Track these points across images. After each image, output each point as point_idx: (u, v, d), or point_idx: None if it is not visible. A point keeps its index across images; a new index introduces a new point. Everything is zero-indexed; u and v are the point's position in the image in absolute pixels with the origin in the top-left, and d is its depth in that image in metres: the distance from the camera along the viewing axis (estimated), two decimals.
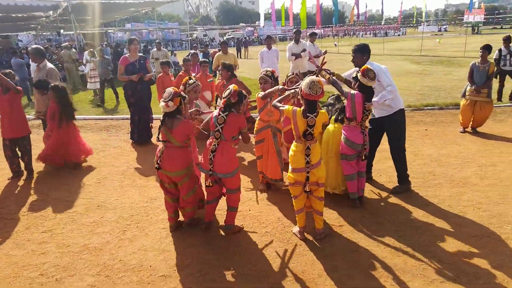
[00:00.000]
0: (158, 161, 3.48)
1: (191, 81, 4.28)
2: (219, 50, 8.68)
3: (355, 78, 3.85)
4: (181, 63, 10.03)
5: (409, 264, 3.08)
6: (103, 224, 3.93)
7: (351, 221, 3.82)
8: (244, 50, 29.54)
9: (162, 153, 3.48)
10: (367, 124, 4.05)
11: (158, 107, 7.12)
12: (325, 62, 4.31)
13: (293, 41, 8.72)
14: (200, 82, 6.61)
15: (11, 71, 5.27)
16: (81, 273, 3.12)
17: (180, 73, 6.86)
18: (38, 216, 4.16)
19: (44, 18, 20.86)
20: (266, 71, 4.53)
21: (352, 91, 3.87)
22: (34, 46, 6.07)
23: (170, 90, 3.41)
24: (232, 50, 9.54)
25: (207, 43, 18.33)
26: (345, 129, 4.02)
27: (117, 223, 3.95)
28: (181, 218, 3.84)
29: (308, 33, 9.65)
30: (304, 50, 8.47)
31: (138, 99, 6.62)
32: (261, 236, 3.60)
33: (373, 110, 4.18)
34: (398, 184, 4.45)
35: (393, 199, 4.26)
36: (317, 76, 3.98)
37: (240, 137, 3.57)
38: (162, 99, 3.42)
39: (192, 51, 8.72)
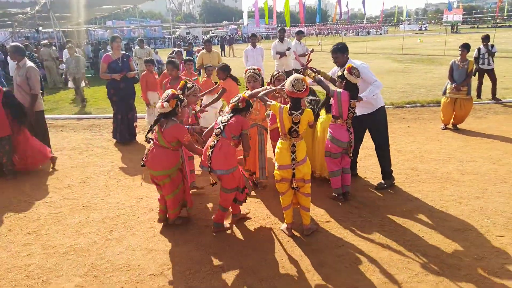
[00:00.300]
0: (144, 158, 3.53)
1: (189, 85, 4.20)
2: (203, 48, 8.63)
3: (341, 76, 3.91)
4: (164, 61, 9.94)
5: (395, 258, 3.16)
6: (89, 225, 3.88)
7: (337, 217, 3.88)
8: (228, 48, 29.46)
9: (148, 151, 3.53)
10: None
11: (142, 106, 7.02)
12: (311, 60, 4.36)
13: (277, 40, 8.76)
14: None
15: None
16: (68, 274, 3.08)
17: (165, 71, 6.79)
18: (21, 217, 4.07)
19: (21, 15, 20.27)
20: (253, 70, 4.53)
21: (338, 90, 3.93)
22: (14, 43, 5.90)
23: (168, 91, 3.46)
24: (216, 48, 9.50)
25: (191, 41, 18.16)
26: (332, 127, 4.08)
27: (103, 223, 3.90)
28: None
29: (295, 31, 9.70)
30: (288, 49, 8.51)
31: (122, 98, 6.54)
32: (249, 234, 3.63)
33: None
34: (382, 180, 4.54)
35: (377, 195, 4.35)
36: (303, 74, 4.03)
37: (240, 142, 3.59)
38: (160, 99, 3.46)
39: (176, 49, 8.62)
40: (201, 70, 8.19)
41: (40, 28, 23.57)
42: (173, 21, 45.10)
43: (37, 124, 5.76)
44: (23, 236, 3.69)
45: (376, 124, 4.42)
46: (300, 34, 9.09)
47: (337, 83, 4.04)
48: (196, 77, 6.87)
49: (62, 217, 4.06)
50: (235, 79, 5.45)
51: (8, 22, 22.72)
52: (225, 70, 5.35)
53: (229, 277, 3.00)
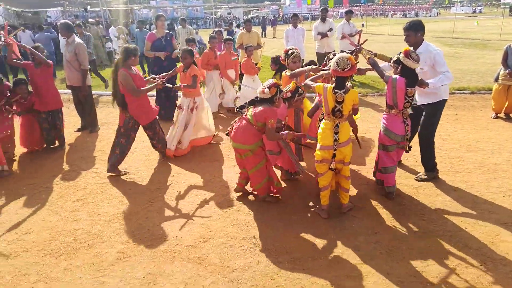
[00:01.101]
0: (229, 128, 3.73)
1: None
2: (243, 28, 8.58)
3: (397, 61, 3.56)
4: (205, 41, 9.95)
5: (433, 248, 3.06)
6: (132, 196, 4.07)
7: (375, 202, 3.81)
8: (272, 28, 29.11)
9: (234, 122, 3.70)
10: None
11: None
12: (366, 40, 4.19)
13: (319, 20, 8.51)
14: (224, 60, 6.63)
15: (39, 44, 5.40)
16: (111, 240, 3.28)
17: (206, 50, 6.84)
18: (70, 185, 4.34)
19: None
20: (296, 50, 4.45)
21: (394, 76, 3.56)
22: (63, 21, 6.18)
23: (271, 80, 3.54)
24: (256, 29, 9.39)
25: (231, 21, 18.09)
26: (385, 117, 3.71)
27: (144, 194, 4.08)
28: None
29: (344, 11, 9.33)
30: (330, 29, 8.26)
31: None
32: (284, 214, 3.65)
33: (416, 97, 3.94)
34: (423, 172, 4.30)
35: (419, 183, 4.20)
36: (354, 55, 3.90)
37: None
38: (262, 85, 3.55)
39: (216, 29, 8.63)
40: (240, 50, 8.15)
41: (88, 7, 24.42)
42: (214, 1, 45.03)
43: (85, 99, 6.05)
44: (72, 203, 3.95)
45: (431, 114, 4.06)
46: (349, 14, 8.73)
47: (393, 69, 3.70)
48: (235, 57, 6.87)
49: (107, 187, 4.29)
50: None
51: (60, 1, 23.74)
52: (275, 63, 5.47)
53: (262, 254, 3.05)
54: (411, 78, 3.48)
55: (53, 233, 3.39)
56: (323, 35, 8.27)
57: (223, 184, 4.28)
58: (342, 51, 7.51)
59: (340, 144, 3.34)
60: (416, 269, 2.83)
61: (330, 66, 3.41)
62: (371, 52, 3.94)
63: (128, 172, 4.64)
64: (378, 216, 3.57)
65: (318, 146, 3.47)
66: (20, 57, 5.63)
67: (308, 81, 3.63)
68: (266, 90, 3.46)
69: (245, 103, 3.77)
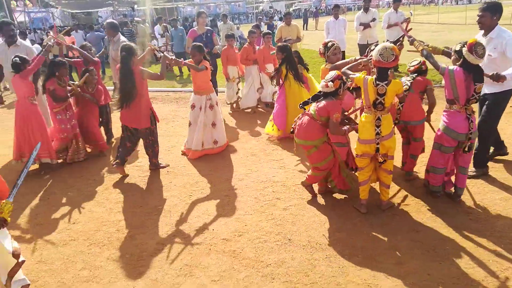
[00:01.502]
0: (293, 125, 3.69)
1: (330, 44, 4.22)
2: (283, 22, 8.49)
3: (458, 52, 3.20)
4: (246, 36, 10.00)
5: (480, 249, 2.87)
6: (172, 189, 4.20)
7: (417, 199, 3.63)
8: (314, 21, 28.66)
9: (298, 118, 3.66)
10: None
11: (222, 80, 7.21)
12: (410, 29, 3.99)
13: (361, 10, 8.21)
14: (263, 54, 6.61)
15: (87, 43, 5.70)
16: (151, 232, 3.41)
17: (245, 45, 6.87)
18: (115, 178, 4.57)
19: None
20: (335, 42, 4.33)
21: (451, 66, 3.23)
22: (109, 20, 6.48)
23: (333, 73, 3.43)
24: (299, 22, 9.25)
25: (272, 15, 18.02)
26: (446, 114, 3.37)
27: (184, 188, 4.20)
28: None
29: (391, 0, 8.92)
30: (373, 20, 7.95)
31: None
32: (320, 210, 3.59)
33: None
34: (473, 168, 3.97)
35: (467, 180, 3.93)
36: (399, 44, 3.72)
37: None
38: (324, 79, 3.47)
39: (254, 24, 8.63)
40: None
41: (135, 6, 25.43)
42: None
43: None
44: (116, 194, 4.16)
45: (495, 105, 3.73)
46: (397, 2, 8.35)
47: (452, 60, 3.34)
48: (273, 51, 6.82)
49: (149, 180, 4.47)
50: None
51: (109, 1, 24.98)
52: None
53: (296, 250, 3.03)
54: (477, 73, 3.14)
55: (98, 224, 3.60)
56: (366, 25, 7.98)
57: (259, 179, 4.29)
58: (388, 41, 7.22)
59: (382, 137, 3.22)
60: (460, 271, 2.67)
61: (371, 57, 3.28)
62: (423, 42, 3.63)
63: (169, 165, 4.79)
64: (420, 214, 3.41)
65: (358, 140, 3.37)
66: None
67: (346, 69, 3.50)
68: (330, 83, 3.35)
69: (309, 99, 3.65)
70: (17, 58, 4.40)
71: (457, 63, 3.25)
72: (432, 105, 3.80)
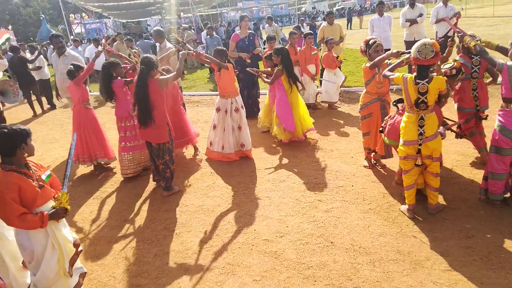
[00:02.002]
0: (383, 124, 3.66)
1: (371, 41, 4.03)
2: (325, 21, 8.38)
3: None
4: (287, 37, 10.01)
5: None
6: (215, 189, 4.31)
7: (470, 203, 3.43)
8: (358, 19, 28.03)
9: (389, 118, 3.57)
10: None
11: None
12: (456, 21, 3.78)
13: (407, 5, 7.89)
14: (304, 55, 6.58)
15: (135, 50, 6.00)
16: (196, 230, 3.52)
17: (286, 47, 6.86)
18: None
19: (166, 3, 22.98)
20: (374, 39, 4.19)
21: (510, 62, 3.02)
22: (156, 28, 6.78)
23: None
24: (342, 21, 9.07)
25: (314, 15, 17.84)
26: (501, 114, 3.16)
27: (226, 188, 4.29)
28: None
29: None
30: (421, 15, 7.61)
31: (247, 75, 6.90)
32: (363, 213, 3.51)
33: None
34: None
35: None
36: (450, 41, 3.55)
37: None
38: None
39: (296, 25, 8.59)
40: (322, 45, 7.98)
41: (181, 14, 26.32)
42: None
43: None
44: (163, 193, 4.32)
45: None
46: None
47: (509, 53, 3.13)
48: (315, 52, 6.77)
49: (194, 181, 4.61)
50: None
51: (157, 10, 26.12)
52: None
53: (339, 253, 2.98)
54: None
55: (147, 221, 3.78)
56: (412, 21, 7.65)
57: (301, 180, 4.27)
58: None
59: (426, 138, 3.08)
60: None
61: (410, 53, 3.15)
62: (475, 37, 3.43)
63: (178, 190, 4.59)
64: (473, 219, 3.21)
65: (401, 141, 3.25)
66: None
67: (386, 72, 3.39)
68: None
69: (400, 98, 3.51)
70: (71, 66, 4.76)
71: None
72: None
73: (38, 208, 2.28)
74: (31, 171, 2.33)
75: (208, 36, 11.20)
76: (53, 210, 2.33)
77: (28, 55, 10.92)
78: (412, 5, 7.71)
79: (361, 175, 4.23)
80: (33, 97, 9.40)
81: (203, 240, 3.36)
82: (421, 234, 3.09)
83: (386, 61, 3.81)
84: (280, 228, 3.39)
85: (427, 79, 2.98)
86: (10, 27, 35.91)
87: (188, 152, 5.61)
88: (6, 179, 2.17)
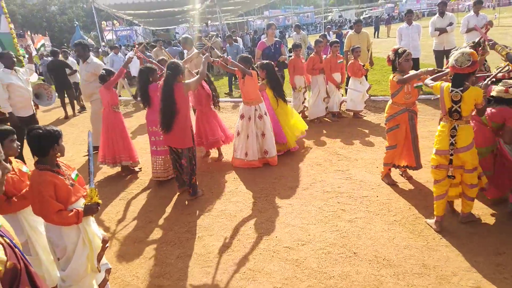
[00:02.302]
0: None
1: (400, 50, 3.94)
2: (352, 30, 8.32)
3: None
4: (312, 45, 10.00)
5: None
6: (238, 194, 4.34)
7: (499, 218, 3.30)
8: (386, 28, 27.72)
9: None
10: None
11: (289, 90, 7.25)
12: (488, 29, 3.70)
13: (437, 15, 7.73)
14: (330, 63, 6.55)
15: (163, 57, 6.15)
16: (218, 234, 3.55)
17: (311, 55, 6.87)
18: None
19: (194, 11, 23.50)
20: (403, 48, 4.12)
21: None
22: (184, 35, 6.94)
23: (510, 81, 3.29)
24: (369, 29, 8.98)
25: (341, 24, 17.75)
26: None
27: (248, 194, 4.31)
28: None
29: (472, 2, 8.27)
30: (450, 24, 7.44)
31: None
32: (388, 224, 3.43)
33: None
34: None
35: None
36: (481, 49, 3.47)
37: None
38: (502, 83, 3.28)
39: (322, 33, 8.57)
40: (348, 53, 7.92)
41: (209, 22, 26.82)
42: (325, 5, 44.86)
43: None
44: (186, 197, 4.37)
45: None
46: (477, 5, 7.70)
47: None
48: (341, 60, 6.73)
49: (217, 185, 4.65)
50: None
51: (186, 18, 26.75)
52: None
53: (362, 264, 2.93)
54: None
55: (171, 224, 3.84)
56: (442, 30, 7.49)
57: (324, 189, 4.24)
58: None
59: (458, 149, 3.01)
60: None
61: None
62: (507, 47, 3.39)
63: (203, 194, 4.57)
64: (504, 234, 3.09)
65: (433, 150, 3.19)
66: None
67: (428, 81, 3.35)
68: (511, 89, 3.18)
69: None
70: (103, 71, 4.94)
71: None
72: None
73: (71, 206, 2.37)
74: (62, 170, 2.42)
75: (228, 44, 11.37)
76: (86, 205, 2.42)
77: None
78: (441, 14, 7.56)
79: (386, 186, 4.15)
80: (66, 100, 9.80)
81: (224, 244, 3.38)
82: (447, 249, 3.00)
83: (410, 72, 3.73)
84: (302, 236, 3.37)
85: (461, 88, 2.92)
86: (47, 33, 37.70)
87: (212, 155, 5.68)
88: (42, 178, 2.27)
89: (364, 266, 2.91)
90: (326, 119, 6.98)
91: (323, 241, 3.27)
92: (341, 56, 6.88)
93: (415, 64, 7.85)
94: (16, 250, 1.32)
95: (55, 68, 9.66)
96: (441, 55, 7.71)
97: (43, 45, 26.48)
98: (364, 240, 3.22)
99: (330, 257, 3.05)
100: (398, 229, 3.33)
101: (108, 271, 2.78)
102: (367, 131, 6.10)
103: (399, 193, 3.97)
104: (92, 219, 2.58)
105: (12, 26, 6.85)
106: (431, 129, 5.57)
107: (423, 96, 7.60)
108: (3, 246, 1.25)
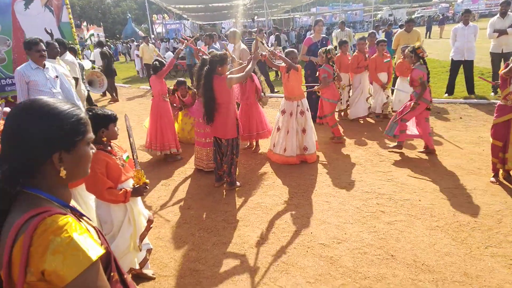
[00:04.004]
0: None
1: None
2: (403, 28, 8.03)
3: None
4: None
5: None
6: (274, 188, 4.37)
7: None
8: (439, 28, 26.49)
9: None
10: None
11: None
12: None
13: (498, 15, 7.25)
14: (375, 63, 6.38)
15: (213, 50, 6.28)
16: (253, 226, 3.60)
17: (355, 53, 6.72)
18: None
19: (242, 7, 23.70)
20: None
21: None
22: (232, 29, 7.04)
23: None
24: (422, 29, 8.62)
25: (390, 22, 17.07)
26: None
27: (285, 188, 4.32)
28: None
29: None
30: (511, 26, 6.96)
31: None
32: (430, 229, 3.31)
33: None
34: None
35: None
36: None
37: None
38: None
39: (371, 31, 8.31)
40: (396, 51, 7.66)
41: (255, 17, 26.95)
42: (375, 3, 43.48)
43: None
44: (223, 187, 4.48)
45: None
46: None
47: None
48: (388, 59, 6.52)
49: (254, 178, 4.71)
50: None
51: (233, 13, 27.07)
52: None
53: (399, 268, 2.86)
54: None
55: (208, 211, 3.95)
56: (502, 32, 7.03)
57: (364, 189, 4.16)
58: None
59: None
60: None
61: None
62: None
63: (240, 186, 4.61)
64: None
65: None
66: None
67: None
68: None
69: None
70: (156, 62, 5.15)
71: None
72: None
73: (120, 185, 2.52)
74: (115, 151, 2.57)
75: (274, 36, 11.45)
76: (134, 187, 2.56)
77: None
78: (503, 14, 7.08)
79: (430, 190, 4.00)
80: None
81: (260, 235, 3.43)
82: (493, 259, 2.85)
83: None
84: (338, 235, 3.34)
85: None
86: (101, 24, 39.71)
87: (250, 148, 5.75)
88: (96, 156, 2.42)
89: (402, 270, 2.83)
90: (369, 119, 6.81)
91: (360, 241, 3.22)
92: (388, 55, 6.67)
93: (469, 67, 7.45)
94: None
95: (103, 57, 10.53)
96: (498, 58, 7.25)
97: (91, 35, 27.89)
98: (403, 244, 3.14)
99: (366, 258, 3.00)
100: (440, 235, 3.20)
101: (149, 251, 2.92)
102: None
103: (443, 199, 3.81)
104: (139, 199, 2.72)
105: (71, 16, 7.29)
106: (481, 134, 5.27)
107: (475, 100, 7.21)
108: (95, 230, 1.16)
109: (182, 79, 5.78)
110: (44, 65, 4.21)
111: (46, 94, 3.81)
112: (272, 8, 24.99)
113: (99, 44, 11.97)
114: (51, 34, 6.23)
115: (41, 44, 4.11)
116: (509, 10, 7.12)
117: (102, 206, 2.52)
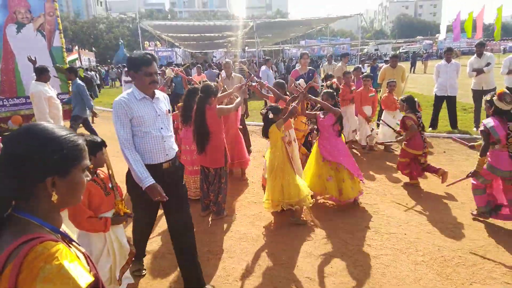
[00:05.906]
0: None
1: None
2: (388, 64, 8.33)
3: (489, 101, 3.73)
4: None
5: None
6: (261, 218, 4.33)
7: None
8: (422, 64, 27.58)
9: None
10: None
11: None
12: None
13: (475, 55, 7.62)
14: (361, 96, 6.57)
15: (205, 79, 6.39)
16: (239, 257, 3.54)
17: (341, 86, 6.90)
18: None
19: (233, 38, 24.30)
20: None
21: (489, 124, 3.65)
22: (227, 60, 7.21)
23: None
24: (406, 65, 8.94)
25: (375, 57, 17.70)
26: (490, 154, 3.76)
27: (272, 219, 4.28)
28: None
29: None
30: (488, 64, 7.30)
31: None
32: (415, 264, 3.30)
33: None
34: None
35: None
36: None
37: None
38: None
39: (356, 66, 8.60)
40: (382, 85, 7.90)
41: (246, 48, 27.62)
42: (362, 38, 45.14)
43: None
44: (216, 220, 4.42)
45: None
46: None
47: (485, 108, 3.87)
48: (373, 93, 6.72)
49: (241, 208, 4.66)
50: None
51: (224, 43, 27.70)
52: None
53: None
54: (508, 114, 3.62)
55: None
56: (479, 71, 7.37)
57: (349, 221, 4.15)
58: (508, 88, 6.58)
59: None
60: None
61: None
62: None
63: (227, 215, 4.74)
64: None
65: None
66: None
67: None
68: None
69: None
70: None
71: (490, 111, 3.75)
72: None
73: (102, 214, 2.47)
74: (100, 179, 2.54)
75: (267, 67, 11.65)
76: (113, 216, 2.51)
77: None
78: (479, 55, 7.46)
79: (415, 224, 4.02)
80: None
81: (245, 268, 3.36)
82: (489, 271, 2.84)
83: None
84: (325, 268, 3.30)
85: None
86: (93, 48, 40.01)
87: (236, 176, 5.73)
88: None
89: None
90: (355, 150, 6.91)
91: (346, 276, 3.18)
92: (373, 89, 6.88)
93: (452, 102, 7.71)
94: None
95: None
96: (479, 95, 7.54)
97: (76, 59, 27.64)
98: (388, 278, 3.11)
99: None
100: (425, 271, 3.19)
101: (130, 285, 2.82)
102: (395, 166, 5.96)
103: (428, 233, 3.82)
104: (123, 232, 2.66)
105: (63, 41, 7.34)
106: (465, 169, 5.38)
107: (458, 134, 7.41)
108: (84, 255, 1.14)
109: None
110: (154, 94, 2.81)
111: (154, 138, 2.71)
112: (263, 39, 25.69)
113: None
114: (34, 62, 6.27)
115: (155, 64, 2.74)
116: (484, 50, 7.50)
117: (82, 236, 2.46)
